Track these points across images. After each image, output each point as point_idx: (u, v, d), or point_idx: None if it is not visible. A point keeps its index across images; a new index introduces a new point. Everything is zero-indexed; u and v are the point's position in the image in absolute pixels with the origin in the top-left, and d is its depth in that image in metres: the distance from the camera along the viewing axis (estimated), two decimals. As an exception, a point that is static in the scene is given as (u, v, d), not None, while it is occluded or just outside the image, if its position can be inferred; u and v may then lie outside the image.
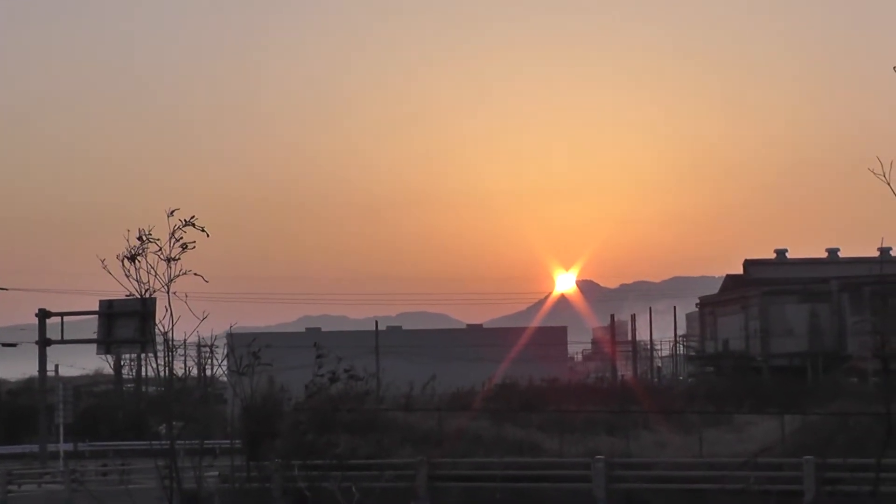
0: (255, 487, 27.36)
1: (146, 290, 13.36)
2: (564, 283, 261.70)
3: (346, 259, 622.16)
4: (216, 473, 29.76)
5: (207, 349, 75.13)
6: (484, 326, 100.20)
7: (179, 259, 13.31)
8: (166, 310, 13.64)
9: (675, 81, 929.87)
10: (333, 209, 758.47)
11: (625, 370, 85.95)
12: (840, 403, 40.54)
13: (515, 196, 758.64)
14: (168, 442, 14.78)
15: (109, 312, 51.45)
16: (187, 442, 17.53)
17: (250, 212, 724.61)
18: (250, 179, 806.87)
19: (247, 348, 17.50)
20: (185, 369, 65.46)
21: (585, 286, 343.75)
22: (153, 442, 16.29)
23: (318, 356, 13.81)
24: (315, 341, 13.88)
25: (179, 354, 71.88)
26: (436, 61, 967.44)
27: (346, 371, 14.07)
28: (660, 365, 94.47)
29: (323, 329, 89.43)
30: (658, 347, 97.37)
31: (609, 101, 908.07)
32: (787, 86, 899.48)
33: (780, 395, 47.66)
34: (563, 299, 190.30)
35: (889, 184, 7.50)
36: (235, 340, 18.18)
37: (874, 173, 7.61)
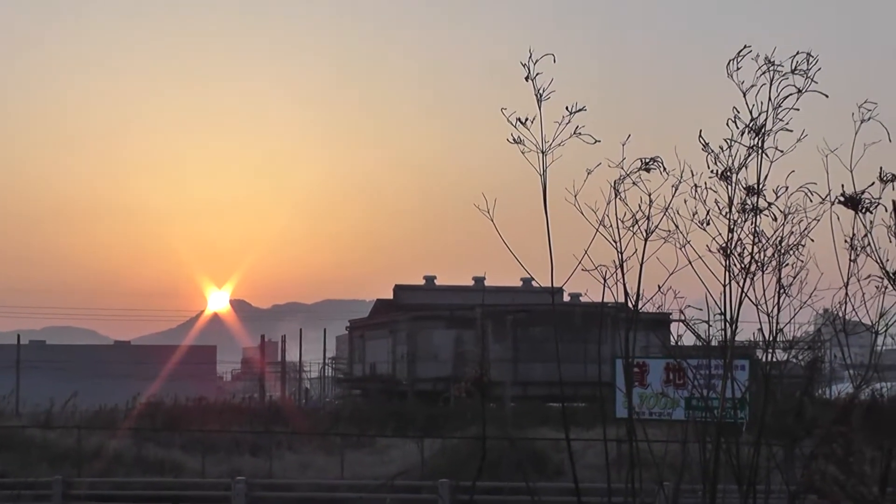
0: None
1: None
2: (217, 301, 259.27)
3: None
4: None
5: None
6: (132, 343, 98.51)
7: None
8: None
9: (328, 112, 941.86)
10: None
11: (274, 391, 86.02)
12: (478, 428, 41.74)
13: (167, 212, 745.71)
14: None
15: None
16: None
17: None
18: None
19: None
20: None
21: (238, 305, 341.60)
22: None
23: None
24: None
25: None
26: (97, 71, 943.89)
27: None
28: (308, 387, 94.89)
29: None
30: (307, 369, 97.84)
31: (267, 125, 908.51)
32: (428, 118, 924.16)
33: (422, 418, 48.70)
34: (215, 318, 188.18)
35: (493, 220, 7.93)
36: None
37: (479, 209, 7.95)
